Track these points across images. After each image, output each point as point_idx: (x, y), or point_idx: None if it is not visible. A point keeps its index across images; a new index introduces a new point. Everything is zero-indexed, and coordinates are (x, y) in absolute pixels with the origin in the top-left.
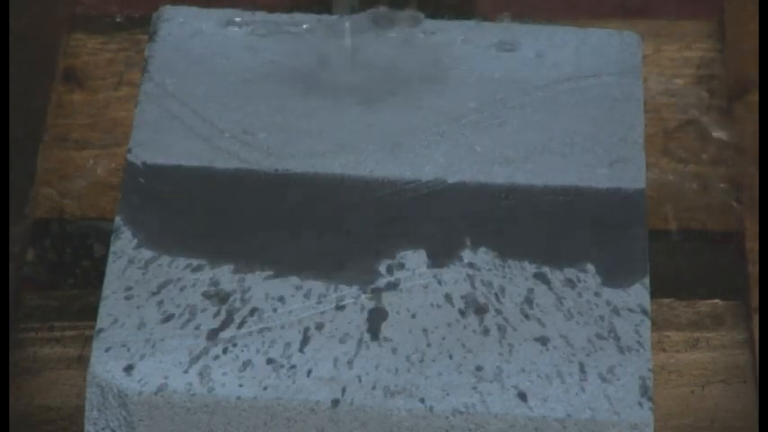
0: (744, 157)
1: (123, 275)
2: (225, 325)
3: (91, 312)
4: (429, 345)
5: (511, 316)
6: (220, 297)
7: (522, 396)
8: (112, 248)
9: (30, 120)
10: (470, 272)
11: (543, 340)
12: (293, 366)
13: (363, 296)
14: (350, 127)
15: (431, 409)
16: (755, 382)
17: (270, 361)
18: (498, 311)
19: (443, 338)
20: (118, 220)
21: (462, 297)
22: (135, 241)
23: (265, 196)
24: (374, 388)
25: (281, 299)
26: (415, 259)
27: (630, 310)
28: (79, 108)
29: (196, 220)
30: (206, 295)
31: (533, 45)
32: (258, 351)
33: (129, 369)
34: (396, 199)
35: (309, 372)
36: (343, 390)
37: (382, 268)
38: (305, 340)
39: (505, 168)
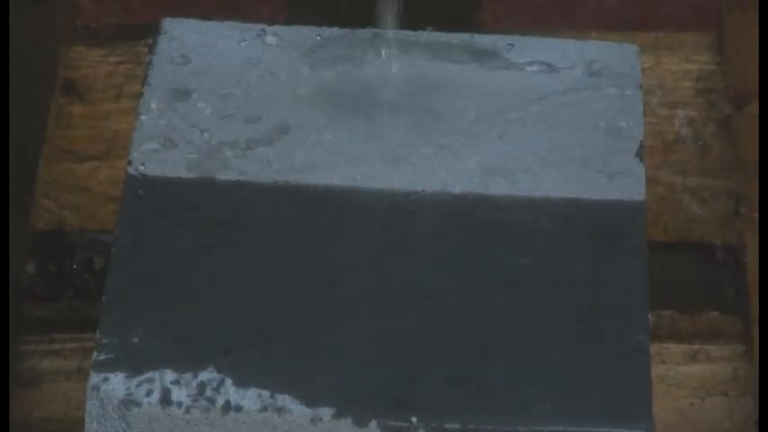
0: (743, 169)
1: (123, 287)
2: (225, 336)
3: (91, 324)
4: None
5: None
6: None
7: (521, 406)
8: (112, 260)
9: (29, 131)
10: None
11: (542, 349)
12: (294, 377)
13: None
14: (349, 138)
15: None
16: (755, 393)
17: (270, 372)
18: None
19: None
20: (117, 231)
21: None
22: (135, 253)
23: (265, 208)
24: (376, 399)
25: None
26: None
27: (630, 321)
28: (79, 120)
29: (196, 231)
30: (204, 308)
31: (533, 57)
32: (259, 361)
33: (128, 381)
34: (396, 211)
35: (311, 383)
36: (345, 401)
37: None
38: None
39: (505, 180)
